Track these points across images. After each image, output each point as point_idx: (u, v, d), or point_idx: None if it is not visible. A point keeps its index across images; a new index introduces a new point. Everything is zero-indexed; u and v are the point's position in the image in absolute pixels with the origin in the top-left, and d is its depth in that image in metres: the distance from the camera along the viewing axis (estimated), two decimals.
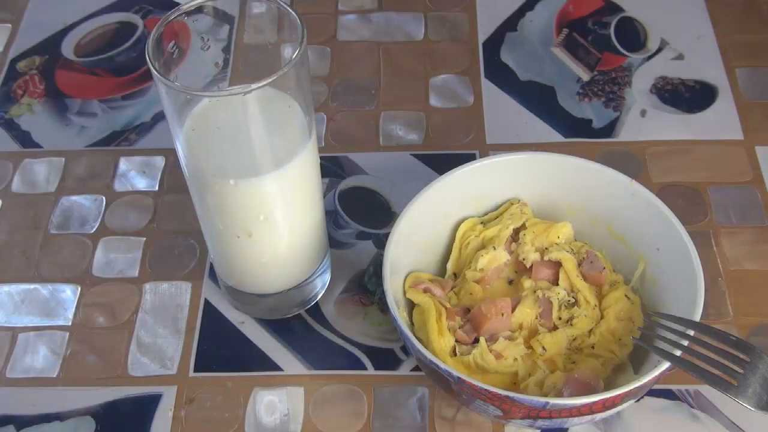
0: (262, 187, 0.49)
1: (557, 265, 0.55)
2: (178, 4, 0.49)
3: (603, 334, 0.52)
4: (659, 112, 0.70)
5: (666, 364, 0.46)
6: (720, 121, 0.69)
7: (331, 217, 0.64)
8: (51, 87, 0.74)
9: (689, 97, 0.71)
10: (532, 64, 0.74)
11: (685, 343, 0.47)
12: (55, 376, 0.57)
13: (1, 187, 0.67)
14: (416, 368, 0.56)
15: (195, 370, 0.57)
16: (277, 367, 0.56)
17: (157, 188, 0.66)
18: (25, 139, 0.70)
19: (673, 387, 0.54)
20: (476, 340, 0.52)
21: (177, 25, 0.47)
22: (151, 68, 0.44)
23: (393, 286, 0.51)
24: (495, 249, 0.55)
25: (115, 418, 0.55)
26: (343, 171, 0.67)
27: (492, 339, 0.52)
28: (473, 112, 0.70)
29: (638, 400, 0.52)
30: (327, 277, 0.60)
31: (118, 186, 0.67)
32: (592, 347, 0.52)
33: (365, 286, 0.60)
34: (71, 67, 0.76)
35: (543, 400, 0.45)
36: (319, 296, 0.60)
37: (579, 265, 0.55)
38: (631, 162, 0.66)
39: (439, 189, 0.55)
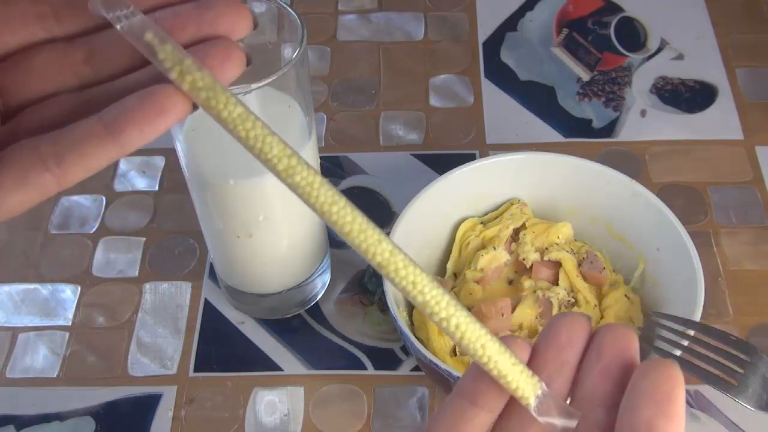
0: (262, 187, 0.49)
1: (557, 265, 0.55)
2: None
3: None
4: (659, 112, 0.70)
5: None
6: (720, 121, 0.69)
7: None
8: None
9: (689, 97, 0.71)
10: (532, 64, 0.74)
11: (685, 343, 0.47)
12: (55, 376, 0.57)
13: None
14: (416, 368, 0.56)
15: (195, 370, 0.57)
16: (277, 367, 0.56)
17: (157, 188, 0.66)
18: None
19: None
20: None
21: None
22: None
23: None
24: (495, 249, 0.55)
25: (115, 418, 0.55)
26: (343, 171, 0.67)
27: None
28: (473, 112, 0.70)
29: None
30: (327, 277, 0.60)
31: (118, 186, 0.67)
32: None
33: (365, 286, 0.60)
34: None
35: None
36: (319, 296, 0.60)
37: (579, 265, 0.55)
38: (631, 162, 0.66)
39: (439, 189, 0.55)
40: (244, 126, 0.27)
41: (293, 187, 0.27)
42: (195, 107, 0.27)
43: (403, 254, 0.27)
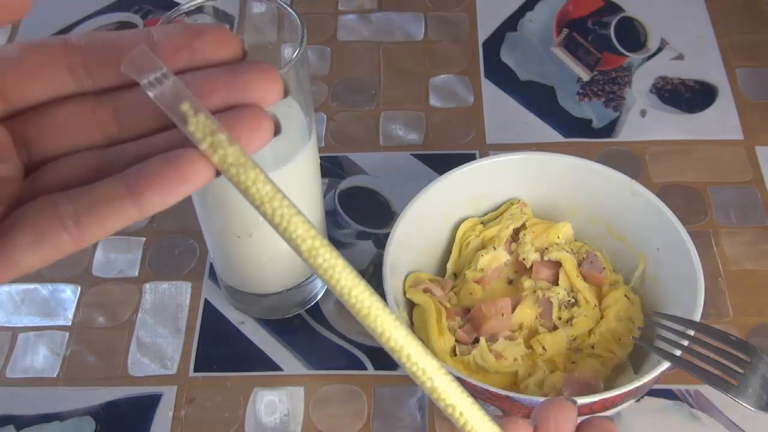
0: None
1: (557, 265, 0.55)
2: (178, 4, 0.49)
3: (603, 334, 0.52)
4: (659, 112, 0.70)
5: (666, 364, 0.46)
6: (720, 121, 0.69)
7: (331, 217, 0.64)
8: None
9: (689, 97, 0.71)
10: (532, 64, 0.74)
11: (685, 343, 0.48)
12: (55, 376, 0.57)
13: None
14: None
15: (195, 370, 0.57)
16: (277, 367, 0.56)
17: None
18: None
19: (673, 387, 0.54)
20: (476, 340, 0.52)
21: None
22: None
23: (393, 286, 0.51)
24: (495, 249, 0.55)
25: (115, 418, 0.55)
26: (343, 171, 0.67)
27: (492, 339, 0.52)
28: (473, 112, 0.70)
29: (638, 400, 0.52)
30: None
31: None
32: (592, 347, 0.52)
33: None
34: None
35: (543, 400, 0.45)
36: (319, 296, 0.60)
37: (579, 265, 0.55)
38: (631, 162, 0.66)
39: (439, 189, 0.55)
40: (271, 204, 0.27)
41: (314, 267, 0.27)
42: (218, 174, 0.27)
43: (417, 342, 0.29)
